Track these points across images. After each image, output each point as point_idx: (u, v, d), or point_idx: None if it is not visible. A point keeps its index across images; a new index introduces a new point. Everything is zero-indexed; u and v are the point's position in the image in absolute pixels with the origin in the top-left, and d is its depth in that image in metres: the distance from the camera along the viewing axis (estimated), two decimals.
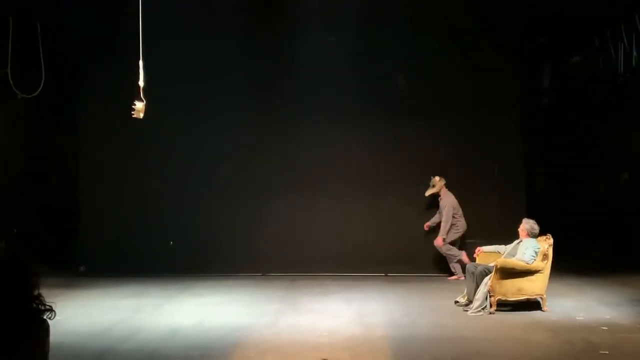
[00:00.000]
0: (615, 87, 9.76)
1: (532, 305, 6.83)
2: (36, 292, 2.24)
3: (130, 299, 7.64)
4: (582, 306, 7.00)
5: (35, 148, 10.05)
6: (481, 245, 7.45)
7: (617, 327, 6.13)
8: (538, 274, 6.75)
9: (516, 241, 7.05)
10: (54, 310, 2.25)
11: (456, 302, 7.08)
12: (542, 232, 6.94)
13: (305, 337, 5.80)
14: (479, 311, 6.65)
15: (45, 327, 2.25)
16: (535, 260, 6.75)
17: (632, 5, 8.70)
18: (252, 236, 9.21)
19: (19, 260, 2.27)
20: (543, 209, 8.86)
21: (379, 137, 9.21)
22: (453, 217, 8.70)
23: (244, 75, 9.09)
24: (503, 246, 7.20)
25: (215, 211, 9.19)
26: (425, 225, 8.98)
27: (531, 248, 6.79)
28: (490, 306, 6.65)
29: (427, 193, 8.91)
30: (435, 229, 8.94)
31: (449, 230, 8.71)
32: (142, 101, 6.59)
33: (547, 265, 6.77)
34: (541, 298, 6.81)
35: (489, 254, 7.22)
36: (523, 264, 6.73)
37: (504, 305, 6.77)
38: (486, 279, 6.71)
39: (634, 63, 9.16)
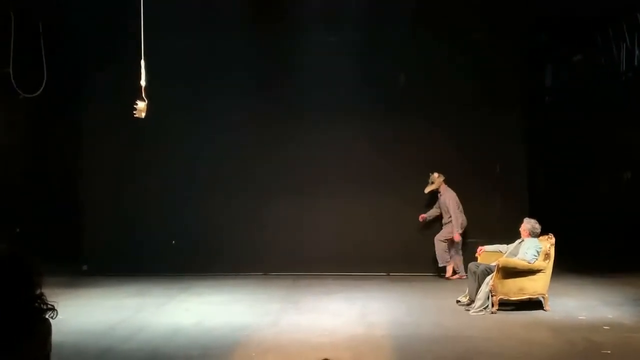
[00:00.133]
0: (618, 86, 9.74)
1: (534, 304, 6.82)
2: (38, 292, 2.24)
3: (132, 298, 7.64)
4: (584, 306, 6.99)
5: (37, 147, 10.07)
6: (483, 244, 7.45)
7: (620, 326, 6.12)
8: (540, 273, 6.74)
9: (518, 240, 7.04)
10: (55, 310, 2.25)
11: (458, 301, 7.08)
12: (544, 232, 6.93)
13: (307, 337, 5.80)
14: (481, 311, 6.64)
15: (47, 326, 2.25)
16: (537, 259, 6.74)
17: (634, 3, 8.68)
18: (253, 236, 9.21)
19: (21, 260, 2.27)
20: (545, 209, 8.85)
21: (380, 137, 9.21)
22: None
23: (244, 75, 9.09)
24: (505, 245, 7.20)
25: (217, 210, 9.19)
26: (420, 217, 8.96)
27: (533, 247, 6.78)
28: (492, 305, 6.64)
29: (427, 190, 8.92)
30: (432, 225, 8.97)
31: (448, 223, 8.72)
32: (144, 101, 6.59)
33: (549, 265, 6.76)
34: (543, 297, 6.80)
35: (491, 254, 7.22)
36: (525, 263, 6.72)
37: (506, 305, 6.76)
38: (488, 278, 6.71)
39: (636, 62, 9.15)
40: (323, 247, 9.08)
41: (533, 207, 8.75)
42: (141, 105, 6.61)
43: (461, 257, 8.74)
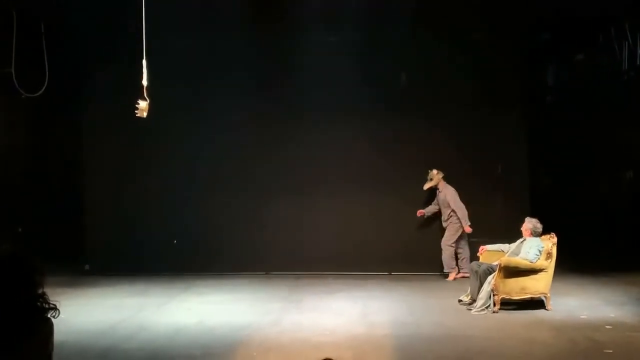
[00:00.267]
0: (619, 86, 9.73)
1: (535, 304, 6.82)
2: (40, 291, 2.24)
3: (134, 297, 7.65)
4: (586, 305, 6.99)
5: (38, 147, 10.09)
6: (485, 244, 7.44)
7: (622, 325, 6.11)
8: (542, 272, 6.73)
9: (520, 240, 7.04)
10: (58, 309, 2.25)
11: (460, 300, 7.07)
12: (546, 231, 6.92)
13: (309, 336, 5.80)
14: (483, 310, 6.64)
15: (49, 326, 2.25)
16: (539, 259, 6.73)
17: (636, 2, 8.66)
18: (255, 235, 9.21)
19: (23, 259, 2.27)
20: (546, 208, 8.84)
21: (380, 137, 9.21)
22: (453, 210, 8.68)
23: (244, 75, 9.09)
24: (507, 245, 7.19)
25: (217, 210, 9.20)
26: (418, 212, 8.94)
27: (535, 247, 6.77)
28: (494, 305, 6.64)
29: (425, 186, 8.92)
30: (432, 224, 8.97)
31: (449, 223, 8.71)
32: (146, 100, 6.60)
33: (551, 264, 6.75)
34: (545, 297, 6.79)
35: (493, 253, 7.21)
36: (527, 262, 6.72)
37: (508, 304, 6.75)
38: (490, 277, 6.70)
39: (638, 61, 9.13)
40: (324, 246, 9.08)
41: (535, 206, 8.75)
42: (143, 104, 6.62)
43: (468, 252, 8.65)
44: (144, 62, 6.50)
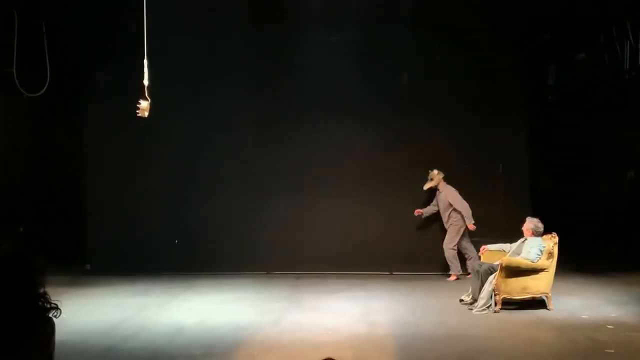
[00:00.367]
0: (620, 86, 9.72)
1: (537, 303, 6.82)
2: (42, 290, 2.24)
3: (135, 297, 7.65)
4: (588, 305, 6.98)
5: (39, 147, 10.09)
6: (486, 243, 7.44)
7: (623, 325, 6.10)
8: (543, 272, 6.73)
9: (521, 240, 7.03)
10: (59, 309, 2.26)
11: (461, 300, 7.07)
12: (547, 231, 6.92)
13: (310, 336, 5.80)
14: (484, 310, 6.63)
15: (51, 325, 2.25)
16: (540, 258, 6.73)
17: (637, 2, 8.65)
18: (256, 235, 9.22)
19: (24, 259, 2.27)
20: (547, 208, 8.84)
21: (381, 137, 9.20)
22: (454, 210, 8.67)
23: (244, 75, 9.10)
24: (508, 245, 7.19)
25: (218, 209, 9.20)
26: (415, 211, 8.93)
27: (536, 247, 6.77)
28: (495, 305, 6.64)
29: (426, 187, 8.90)
30: (432, 223, 8.96)
31: (450, 225, 8.70)
32: (147, 100, 6.60)
33: (552, 264, 6.75)
34: (546, 296, 6.79)
35: (494, 253, 7.21)
36: (528, 262, 6.71)
37: (509, 304, 6.75)
38: (491, 277, 6.70)
39: (639, 61, 9.12)
40: (325, 246, 9.08)
41: (536, 206, 8.74)
42: (144, 104, 6.62)
43: (474, 251, 8.61)
44: (145, 61, 6.50)
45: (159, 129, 8.70)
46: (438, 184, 8.84)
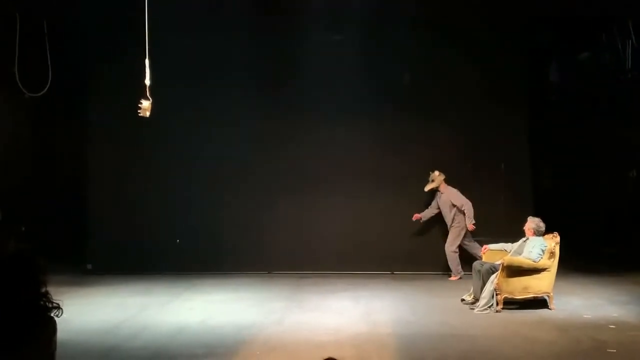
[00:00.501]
0: (623, 85, 9.71)
1: (538, 303, 6.81)
2: (44, 290, 2.25)
3: (136, 296, 7.66)
4: (590, 304, 6.98)
5: (42, 147, 10.11)
6: (487, 243, 7.43)
7: (625, 325, 6.10)
8: (545, 272, 6.73)
9: (522, 239, 7.03)
10: (61, 308, 2.26)
11: (462, 300, 7.07)
12: (549, 230, 6.91)
13: (311, 335, 5.80)
14: (486, 309, 6.63)
15: (53, 325, 2.25)
16: (542, 258, 6.73)
17: (638, 1, 8.64)
18: (258, 234, 9.21)
19: (26, 258, 2.28)
20: (549, 207, 8.83)
21: (384, 136, 9.19)
22: (458, 211, 8.64)
23: (244, 75, 9.09)
24: (509, 244, 7.18)
25: (221, 209, 9.20)
26: (414, 216, 8.90)
27: (538, 246, 6.76)
28: (497, 304, 6.63)
29: (427, 188, 8.88)
30: (432, 224, 8.95)
31: (452, 226, 8.68)
32: (149, 100, 6.61)
33: (554, 264, 6.75)
34: (548, 296, 6.78)
35: (496, 252, 7.21)
36: (530, 262, 6.71)
37: (511, 304, 6.75)
38: (493, 277, 6.70)
39: None
40: (327, 246, 9.08)
41: (538, 206, 8.73)
42: (146, 104, 6.63)
43: (477, 247, 8.58)
44: (147, 61, 6.50)
45: (160, 128, 8.70)
46: (439, 185, 8.82)
